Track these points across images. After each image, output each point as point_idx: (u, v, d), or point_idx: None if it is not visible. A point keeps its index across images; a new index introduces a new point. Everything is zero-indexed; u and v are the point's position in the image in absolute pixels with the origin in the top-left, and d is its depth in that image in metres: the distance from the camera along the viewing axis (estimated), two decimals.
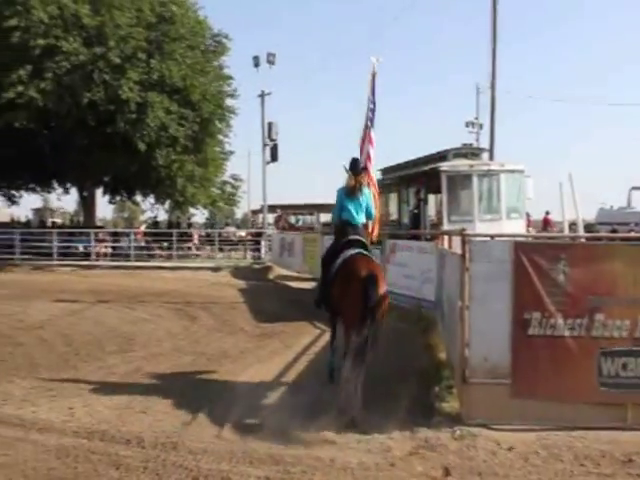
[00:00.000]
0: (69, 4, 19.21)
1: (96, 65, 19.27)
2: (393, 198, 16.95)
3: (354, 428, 5.00)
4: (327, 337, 7.41)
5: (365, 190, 6.43)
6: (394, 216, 16.82)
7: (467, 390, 5.09)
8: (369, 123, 7.89)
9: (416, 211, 14.51)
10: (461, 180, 13.79)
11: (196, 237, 24.27)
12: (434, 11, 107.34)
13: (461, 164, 13.90)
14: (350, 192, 6.29)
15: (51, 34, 18.96)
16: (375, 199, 6.83)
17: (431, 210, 15.47)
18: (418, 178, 15.16)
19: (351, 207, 6.27)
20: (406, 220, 15.26)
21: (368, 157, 7.64)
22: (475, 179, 13.55)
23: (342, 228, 6.30)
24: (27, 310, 11.66)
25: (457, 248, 6.24)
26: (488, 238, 6.09)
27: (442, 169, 13.49)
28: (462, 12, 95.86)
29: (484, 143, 22.30)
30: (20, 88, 18.48)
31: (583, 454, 4.49)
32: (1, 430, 5.16)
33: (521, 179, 13.91)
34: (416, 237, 12.42)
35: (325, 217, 39.23)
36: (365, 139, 7.69)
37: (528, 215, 17.58)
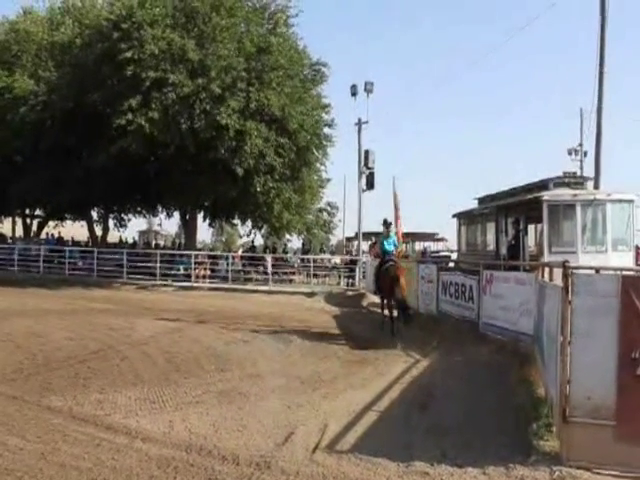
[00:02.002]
0: (176, 39, 20.48)
1: (198, 96, 20.29)
2: (490, 228, 16.56)
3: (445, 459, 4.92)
4: (421, 365, 9.09)
5: (392, 234, 12.95)
6: (491, 246, 16.41)
7: (567, 429, 4.85)
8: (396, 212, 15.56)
9: (514, 242, 14.12)
10: (563, 210, 13.32)
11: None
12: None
13: (564, 193, 13.42)
14: (385, 237, 12.70)
15: (160, 67, 20.27)
16: (398, 238, 13.82)
17: (530, 241, 15.00)
18: (517, 207, 14.77)
19: (387, 245, 12.59)
20: (504, 251, 14.86)
21: (398, 224, 15.19)
22: (579, 209, 13.05)
23: (384, 254, 12.59)
24: (133, 326, 12.33)
25: (558, 281, 6.02)
26: (592, 271, 5.85)
27: (544, 198, 13.09)
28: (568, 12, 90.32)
29: (589, 172, 21.41)
30: (130, 116, 19.85)
31: None
32: (110, 436, 5.51)
33: (630, 209, 13.23)
34: (514, 268, 12.07)
35: (419, 246, 38.79)
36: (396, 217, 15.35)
37: (638, 248, 16.65)
